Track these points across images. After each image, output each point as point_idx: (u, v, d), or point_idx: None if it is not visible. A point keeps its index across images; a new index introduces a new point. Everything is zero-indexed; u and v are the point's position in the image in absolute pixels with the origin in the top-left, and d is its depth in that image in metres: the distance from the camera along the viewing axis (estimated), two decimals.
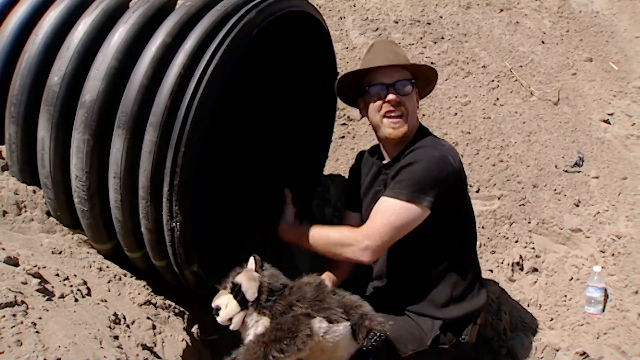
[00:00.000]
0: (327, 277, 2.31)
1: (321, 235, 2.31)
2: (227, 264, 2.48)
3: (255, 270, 1.92)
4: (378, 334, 1.88)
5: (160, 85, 1.95)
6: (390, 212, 2.14)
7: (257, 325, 1.85)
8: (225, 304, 1.89)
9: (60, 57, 2.04)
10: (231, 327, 1.89)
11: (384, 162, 2.43)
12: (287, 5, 2.29)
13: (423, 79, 2.41)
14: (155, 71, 1.96)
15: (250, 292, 1.86)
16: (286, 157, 3.10)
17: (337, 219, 3.33)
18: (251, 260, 1.95)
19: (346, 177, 3.19)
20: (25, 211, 2.20)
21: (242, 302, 1.86)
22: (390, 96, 2.26)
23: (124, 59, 1.98)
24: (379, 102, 2.30)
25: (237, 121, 2.90)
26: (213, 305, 1.92)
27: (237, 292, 1.86)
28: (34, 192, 2.24)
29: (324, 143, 3.18)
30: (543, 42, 4.62)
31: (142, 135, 1.95)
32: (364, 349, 1.90)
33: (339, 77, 2.46)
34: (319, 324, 1.83)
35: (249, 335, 1.87)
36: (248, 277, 1.89)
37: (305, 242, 2.33)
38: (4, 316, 1.60)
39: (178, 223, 1.96)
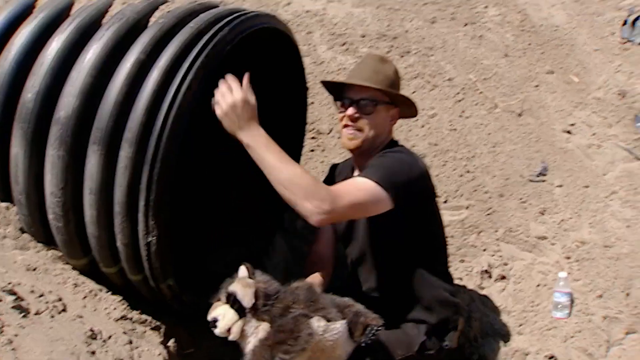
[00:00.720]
0: (313, 282, 2.33)
1: (294, 165, 2.07)
2: (203, 277, 2.50)
3: (249, 277, 1.94)
4: (375, 329, 1.91)
5: (135, 101, 1.97)
6: (361, 187, 2.15)
7: (258, 331, 1.86)
8: (222, 315, 1.89)
9: (33, 74, 2.05)
10: (230, 338, 1.89)
11: (355, 174, 2.50)
12: (258, 22, 2.33)
13: (401, 102, 2.50)
14: (130, 87, 1.98)
15: (247, 299, 1.87)
16: (259, 170, 3.13)
17: (307, 229, 3.37)
18: (242, 268, 1.97)
19: None
20: None
21: (240, 310, 1.87)
22: (349, 111, 2.37)
23: (98, 76, 2.00)
24: (342, 114, 2.41)
25: (211, 135, 2.91)
26: (209, 318, 1.92)
27: (233, 301, 1.87)
28: (7, 208, 2.23)
29: (295, 156, 3.22)
30: (506, 55, 4.74)
31: (117, 151, 1.97)
32: (363, 344, 1.93)
33: (321, 80, 2.57)
34: (317, 322, 1.86)
35: (249, 344, 1.88)
36: (243, 285, 1.90)
37: (270, 153, 2.04)
38: None
39: (154, 237, 1.98)
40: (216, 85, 2.31)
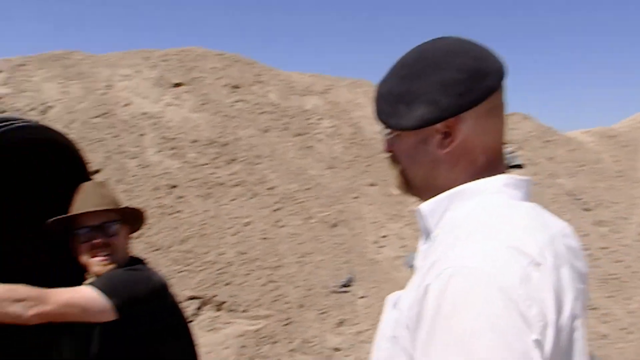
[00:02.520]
0: None
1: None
2: None
3: None
4: None
5: None
6: (80, 291, 2.15)
7: None
8: None
9: None
10: None
11: None
12: (24, 134, 2.33)
13: (132, 217, 2.53)
14: None
15: None
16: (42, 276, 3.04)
17: None
18: None
19: None
20: None
21: None
22: (97, 241, 2.36)
23: None
24: (87, 244, 2.38)
25: None
26: None
27: None
28: None
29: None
30: (332, 166, 4.95)
31: None
32: None
33: (49, 221, 2.49)
34: None
35: None
36: None
37: None
38: None
39: None
40: None
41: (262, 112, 5.31)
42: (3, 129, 2.27)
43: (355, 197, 4.73)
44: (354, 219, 4.52)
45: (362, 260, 4.21)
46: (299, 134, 5.18)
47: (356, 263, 4.17)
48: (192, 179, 4.44)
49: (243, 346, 3.44)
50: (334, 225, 4.38)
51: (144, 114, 4.99)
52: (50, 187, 2.89)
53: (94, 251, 2.39)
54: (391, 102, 0.88)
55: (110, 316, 2.18)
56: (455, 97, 0.82)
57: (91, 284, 2.18)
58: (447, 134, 0.83)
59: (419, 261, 0.91)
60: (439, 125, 0.82)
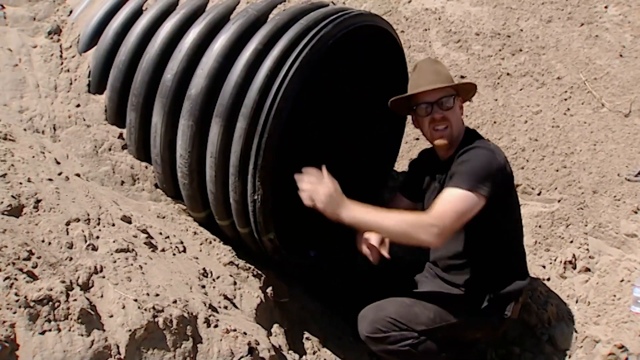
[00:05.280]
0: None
1: (392, 215, 2.40)
2: (301, 236, 2.89)
3: None
4: None
5: (251, 83, 2.39)
6: (454, 199, 2.41)
7: None
8: None
9: (173, 59, 2.52)
10: None
11: (439, 162, 2.76)
12: (360, 20, 2.67)
13: (464, 90, 2.74)
14: (248, 72, 2.40)
15: None
16: (359, 153, 3.47)
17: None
18: None
19: None
20: (138, 182, 2.69)
21: None
22: (436, 115, 2.60)
23: (223, 61, 2.44)
24: (427, 117, 2.63)
25: (315, 117, 3.29)
26: None
27: None
28: (146, 167, 2.73)
29: (395, 142, 3.53)
30: (621, 55, 4.75)
31: (234, 123, 2.41)
32: None
33: (390, 100, 2.77)
34: None
35: None
36: None
37: (371, 218, 2.34)
38: (119, 258, 2.07)
39: (259, 196, 2.40)
40: (319, 74, 2.69)
41: (544, 3, 5.19)
42: (345, 16, 2.62)
43: None
44: None
45: None
46: (584, 24, 5.00)
47: None
48: (479, 69, 4.59)
49: (538, 226, 3.62)
50: (627, 116, 4.27)
51: (426, 9, 5.17)
52: (373, 65, 3.25)
53: (433, 124, 2.67)
54: None
55: (484, 204, 2.44)
56: None
57: (455, 185, 2.43)
58: None
59: None
60: None
